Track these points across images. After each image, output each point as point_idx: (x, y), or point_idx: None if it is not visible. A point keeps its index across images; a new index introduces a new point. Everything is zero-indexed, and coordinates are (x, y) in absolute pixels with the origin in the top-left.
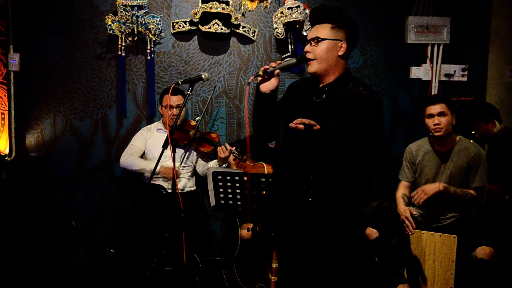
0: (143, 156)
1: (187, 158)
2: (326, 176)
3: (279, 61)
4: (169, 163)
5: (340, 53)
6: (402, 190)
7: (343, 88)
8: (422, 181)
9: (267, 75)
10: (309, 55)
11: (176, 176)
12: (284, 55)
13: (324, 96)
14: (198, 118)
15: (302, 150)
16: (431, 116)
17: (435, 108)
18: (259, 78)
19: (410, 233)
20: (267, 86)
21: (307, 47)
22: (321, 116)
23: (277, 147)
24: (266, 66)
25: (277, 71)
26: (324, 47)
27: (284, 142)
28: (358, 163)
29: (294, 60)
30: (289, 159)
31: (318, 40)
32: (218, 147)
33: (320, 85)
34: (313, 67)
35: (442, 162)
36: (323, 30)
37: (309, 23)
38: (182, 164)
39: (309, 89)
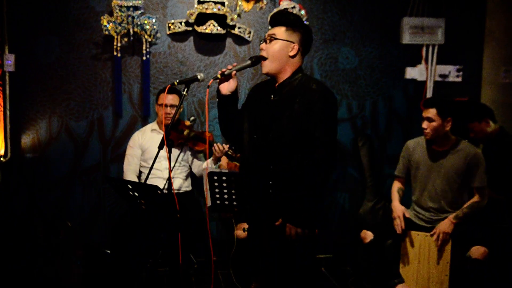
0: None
1: (182, 158)
2: (285, 170)
3: (235, 63)
4: (164, 163)
5: (291, 53)
6: (397, 184)
7: (295, 85)
8: (417, 178)
9: (225, 77)
10: (263, 53)
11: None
12: None
13: (279, 95)
14: (192, 118)
15: (264, 150)
16: (423, 119)
17: (425, 113)
18: (217, 81)
19: (398, 231)
20: (226, 88)
21: (262, 45)
22: (274, 113)
23: (242, 147)
24: (224, 69)
25: (234, 72)
26: (277, 46)
27: (248, 143)
28: (313, 159)
29: (248, 62)
30: (253, 159)
31: (272, 38)
32: (214, 145)
33: (276, 85)
34: (266, 68)
35: (437, 161)
36: (278, 31)
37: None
38: (177, 164)
39: (268, 89)
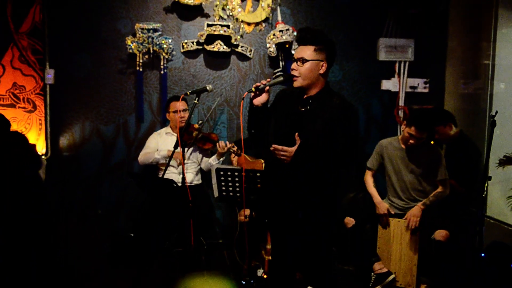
0: None
1: (193, 156)
2: (308, 173)
3: (268, 79)
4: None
5: (321, 71)
6: (371, 179)
7: (324, 101)
8: (390, 173)
9: (259, 91)
10: (294, 72)
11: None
12: (276, 70)
13: (308, 106)
14: (200, 122)
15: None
16: (412, 136)
17: (416, 133)
18: (252, 94)
19: (383, 227)
20: (259, 100)
21: (294, 65)
22: (304, 123)
23: (267, 147)
24: (258, 84)
25: (267, 87)
26: (308, 67)
27: (274, 142)
28: (335, 164)
29: (281, 79)
30: (278, 159)
31: (303, 60)
32: (217, 143)
33: (305, 96)
34: (297, 83)
35: (407, 158)
36: (308, 52)
37: (297, 44)
38: (189, 162)
39: (296, 98)
